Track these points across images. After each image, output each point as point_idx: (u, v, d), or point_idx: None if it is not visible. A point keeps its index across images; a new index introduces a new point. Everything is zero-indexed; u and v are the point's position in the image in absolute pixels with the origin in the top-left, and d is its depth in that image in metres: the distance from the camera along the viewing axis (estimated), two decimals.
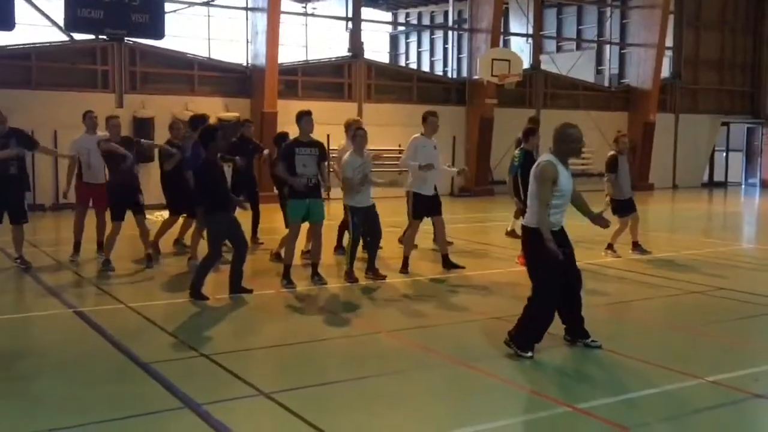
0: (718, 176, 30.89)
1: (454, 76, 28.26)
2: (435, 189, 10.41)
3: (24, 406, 5.32)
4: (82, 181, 11.03)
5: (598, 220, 6.85)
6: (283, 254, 9.93)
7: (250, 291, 8.81)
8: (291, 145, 9.32)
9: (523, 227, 6.56)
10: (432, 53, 34.70)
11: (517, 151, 11.19)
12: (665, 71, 27.66)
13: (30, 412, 5.19)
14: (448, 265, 10.48)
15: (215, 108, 19.91)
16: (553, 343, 6.74)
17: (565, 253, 6.47)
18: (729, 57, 29.73)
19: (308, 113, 9.32)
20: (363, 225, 9.60)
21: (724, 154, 31.01)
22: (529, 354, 6.40)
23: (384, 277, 9.72)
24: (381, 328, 7.52)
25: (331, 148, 18.21)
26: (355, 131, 9.77)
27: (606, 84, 28.28)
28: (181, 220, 11.59)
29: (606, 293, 9.15)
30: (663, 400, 5.56)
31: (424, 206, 10.27)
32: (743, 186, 30.75)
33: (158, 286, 9.72)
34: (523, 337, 6.48)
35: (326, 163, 9.53)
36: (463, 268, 10.51)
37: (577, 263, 6.74)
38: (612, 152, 11.95)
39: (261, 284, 9.25)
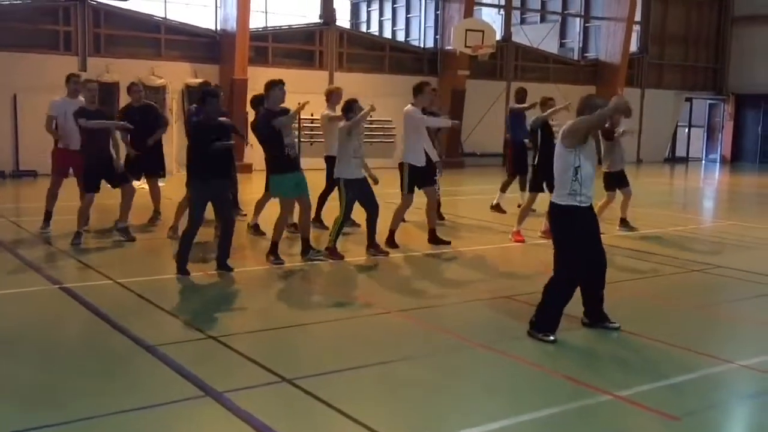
0: (680, 152, 31.13)
1: (420, 46, 27.80)
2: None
3: (27, 395, 4.87)
4: (58, 147, 10.40)
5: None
6: (257, 222, 10.53)
7: (231, 269, 8.36)
8: (269, 115, 8.67)
9: (551, 204, 6.32)
10: (394, 22, 34.12)
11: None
12: (632, 45, 27.61)
13: (36, 402, 4.76)
14: (434, 240, 10.21)
15: (183, 74, 19.25)
16: (573, 325, 6.53)
17: (593, 231, 6.32)
18: (694, 33, 29.83)
19: (281, 82, 8.82)
20: (354, 200, 9.28)
21: (687, 129, 31.24)
22: (552, 338, 6.19)
23: (386, 254, 9.40)
24: (389, 308, 7.20)
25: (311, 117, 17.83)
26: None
27: (572, 57, 28.13)
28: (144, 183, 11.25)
29: None
30: (703, 386, 5.39)
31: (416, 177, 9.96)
32: (703, 162, 31.07)
33: (142, 260, 9.26)
34: (545, 319, 6.27)
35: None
36: (449, 243, 10.24)
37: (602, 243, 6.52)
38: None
39: (253, 259, 8.86)
